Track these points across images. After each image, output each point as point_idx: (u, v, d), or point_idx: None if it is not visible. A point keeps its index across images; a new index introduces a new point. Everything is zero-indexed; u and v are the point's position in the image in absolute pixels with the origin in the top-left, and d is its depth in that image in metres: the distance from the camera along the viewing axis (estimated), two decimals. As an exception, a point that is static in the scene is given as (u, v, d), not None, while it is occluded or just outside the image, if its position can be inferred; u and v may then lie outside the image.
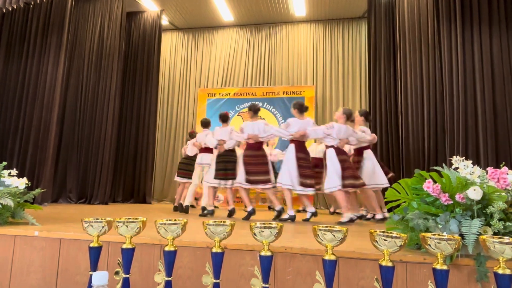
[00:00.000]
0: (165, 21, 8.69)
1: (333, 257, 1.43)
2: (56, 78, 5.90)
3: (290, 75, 8.52)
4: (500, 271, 1.32)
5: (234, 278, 2.18)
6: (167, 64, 9.24)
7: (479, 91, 4.49)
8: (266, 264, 1.47)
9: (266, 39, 8.82)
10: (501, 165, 2.15)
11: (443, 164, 2.34)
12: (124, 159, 7.59)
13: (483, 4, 4.65)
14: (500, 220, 1.92)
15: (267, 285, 1.46)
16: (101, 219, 1.65)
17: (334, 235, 1.42)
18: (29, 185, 3.31)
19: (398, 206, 2.41)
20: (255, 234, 1.51)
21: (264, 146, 4.83)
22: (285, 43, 8.70)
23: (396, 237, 1.38)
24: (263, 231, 1.49)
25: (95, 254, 1.61)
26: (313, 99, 7.77)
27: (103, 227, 1.63)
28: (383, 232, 1.42)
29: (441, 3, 4.97)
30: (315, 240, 1.49)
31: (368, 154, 4.61)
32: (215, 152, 4.96)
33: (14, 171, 3.09)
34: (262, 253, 1.48)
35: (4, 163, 3.11)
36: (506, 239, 1.36)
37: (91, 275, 1.49)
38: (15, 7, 5.46)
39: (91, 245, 1.62)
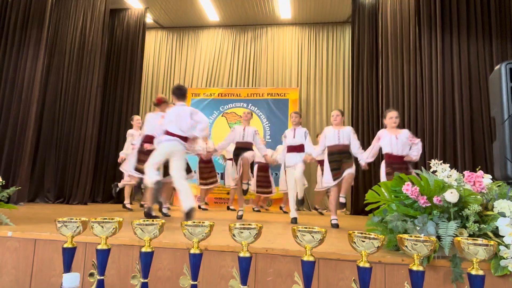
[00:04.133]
0: (149, 19, 8.58)
1: (311, 258, 1.43)
2: (35, 74, 5.74)
3: (275, 77, 8.55)
4: (473, 272, 1.35)
5: (214, 280, 2.16)
6: (150, 63, 9.13)
7: (457, 96, 4.61)
8: (245, 265, 1.46)
9: (251, 40, 8.82)
10: (477, 169, 2.21)
11: (422, 167, 2.38)
12: (105, 159, 7.43)
13: (462, 13, 4.79)
14: (475, 222, 1.96)
15: (245, 287, 1.45)
16: (76, 219, 1.60)
17: (313, 236, 1.43)
18: (4, 183, 3.21)
19: (378, 208, 2.44)
20: (234, 235, 1.50)
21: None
22: (270, 45, 8.73)
23: (373, 239, 1.39)
24: (242, 232, 1.48)
25: (68, 255, 1.56)
26: (297, 101, 7.82)
27: (77, 227, 1.58)
28: (361, 233, 1.43)
29: (422, 10, 5.09)
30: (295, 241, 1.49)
31: None
32: None
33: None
34: (241, 254, 1.47)
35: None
36: (480, 240, 1.39)
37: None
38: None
39: (65, 245, 1.57)
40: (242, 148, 4.73)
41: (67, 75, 6.81)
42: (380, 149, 4.11)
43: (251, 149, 4.79)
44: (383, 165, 4.05)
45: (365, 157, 4.15)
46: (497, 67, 2.46)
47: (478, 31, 4.71)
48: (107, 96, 7.62)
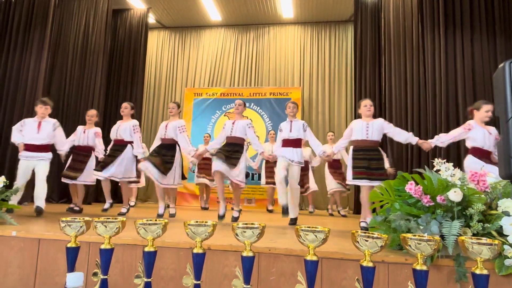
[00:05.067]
0: (152, 19, 8.59)
1: (314, 258, 1.43)
2: (39, 74, 5.77)
3: (277, 76, 8.54)
4: (477, 272, 1.34)
5: (217, 279, 2.16)
6: (153, 63, 9.13)
7: (461, 94, 4.59)
8: (248, 264, 1.46)
9: (253, 40, 8.81)
10: (481, 168, 2.20)
11: (425, 166, 2.37)
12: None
13: (465, 10, 4.77)
14: (479, 221, 1.95)
15: (248, 286, 1.45)
16: (79, 219, 1.61)
17: (316, 236, 1.42)
18: (8, 183, 3.22)
19: (381, 207, 2.44)
20: (237, 234, 1.50)
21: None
22: (273, 44, 8.71)
23: (377, 238, 1.39)
24: (245, 232, 1.48)
25: (72, 254, 1.56)
26: (300, 100, 7.80)
27: (81, 227, 1.59)
28: (365, 232, 1.43)
29: (425, 8, 5.06)
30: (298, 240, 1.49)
31: None
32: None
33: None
34: (244, 254, 1.47)
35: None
36: (484, 240, 1.38)
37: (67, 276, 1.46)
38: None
39: (69, 245, 1.58)
40: (231, 144, 4.20)
41: (70, 75, 6.83)
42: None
43: (241, 145, 4.22)
44: (470, 159, 3.55)
45: (443, 139, 3.63)
46: (501, 65, 2.44)
47: (482, 29, 4.68)
48: (110, 96, 7.64)
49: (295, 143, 4.10)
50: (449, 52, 4.76)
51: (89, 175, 4.67)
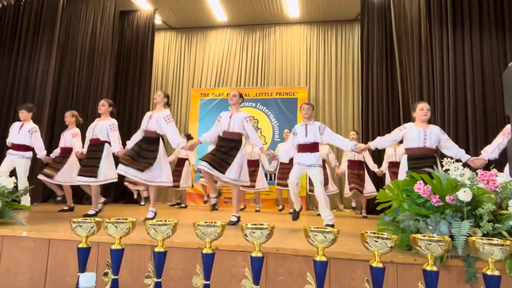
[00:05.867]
0: (158, 21, 8.64)
1: (324, 258, 1.43)
2: (48, 76, 5.84)
3: (284, 76, 8.53)
4: (489, 272, 1.33)
5: (226, 279, 2.17)
6: (160, 64, 9.18)
7: (470, 93, 4.54)
8: (257, 265, 1.46)
9: (260, 40, 8.82)
10: (491, 167, 2.17)
11: (434, 166, 2.36)
12: (116, 160, 7.50)
13: (474, 8, 4.71)
14: (489, 221, 1.94)
15: (258, 286, 1.45)
16: (90, 219, 1.62)
17: (325, 236, 1.42)
18: (17, 184, 3.27)
19: (389, 207, 2.43)
20: (246, 235, 1.50)
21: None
22: (279, 44, 8.71)
23: (386, 238, 1.38)
24: (254, 232, 1.48)
25: (83, 255, 1.58)
26: (306, 100, 7.78)
27: (92, 227, 1.61)
28: (374, 233, 1.42)
29: (433, 6, 5.02)
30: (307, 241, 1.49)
31: None
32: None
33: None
34: (253, 254, 1.48)
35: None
36: (495, 240, 1.37)
37: (78, 276, 1.47)
38: (5, 4, 5.39)
39: (80, 245, 1.60)
40: (227, 139, 3.86)
41: (78, 77, 6.90)
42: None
43: (238, 140, 3.86)
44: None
45: (490, 152, 3.38)
46: (511, 64, 2.42)
47: (491, 26, 4.62)
48: (117, 97, 7.70)
49: (312, 147, 3.77)
50: (458, 50, 4.70)
51: (68, 176, 4.68)
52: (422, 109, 3.49)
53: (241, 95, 4.03)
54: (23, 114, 4.67)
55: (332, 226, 3.54)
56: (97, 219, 1.64)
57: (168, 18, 8.79)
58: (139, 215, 4.17)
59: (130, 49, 7.99)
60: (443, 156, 3.28)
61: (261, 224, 1.52)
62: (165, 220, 1.56)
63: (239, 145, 3.83)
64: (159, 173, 3.81)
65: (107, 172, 4.14)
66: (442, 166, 2.26)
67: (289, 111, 7.77)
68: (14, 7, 5.99)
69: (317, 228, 1.45)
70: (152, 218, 3.84)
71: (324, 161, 5.96)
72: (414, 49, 5.55)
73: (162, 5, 8.13)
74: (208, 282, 1.49)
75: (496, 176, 2.11)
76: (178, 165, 6.68)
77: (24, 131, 4.60)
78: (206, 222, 1.54)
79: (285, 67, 8.55)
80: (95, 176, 4.03)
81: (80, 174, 4.08)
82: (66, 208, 4.86)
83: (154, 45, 8.11)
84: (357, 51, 8.08)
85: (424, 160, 3.31)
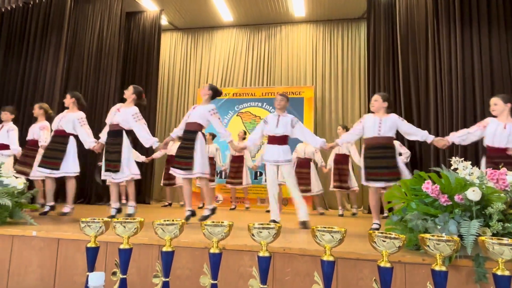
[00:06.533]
0: (164, 21, 8.68)
1: (331, 258, 1.42)
2: (55, 78, 5.91)
3: (290, 76, 8.52)
4: (499, 273, 1.32)
5: (233, 279, 2.18)
6: (166, 64, 9.23)
7: (478, 92, 4.49)
8: (264, 265, 1.46)
9: (265, 39, 8.81)
10: (500, 166, 2.15)
11: (442, 165, 2.33)
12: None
13: (482, 6, 4.65)
14: (499, 221, 1.91)
15: (265, 286, 1.45)
16: (99, 219, 1.64)
17: (332, 236, 1.42)
18: (28, 184, 3.31)
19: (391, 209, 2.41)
20: (253, 234, 1.50)
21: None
22: (285, 43, 8.70)
23: (394, 238, 1.37)
24: (261, 232, 1.48)
25: (92, 254, 1.60)
26: (312, 99, 7.76)
27: (100, 227, 1.62)
28: (382, 233, 1.41)
29: (440, 4, 4.97)
30: (314, 240, 1.49)
31: None
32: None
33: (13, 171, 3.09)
34: (260, 254, 1.48)
35: (3, 162, 3.10)
36: (505, 240, 1.35)
37: (87, 276, 1.49)
38: (14, 7, 5.46)
39: (88, 245, 1.62)
40: (186, 131, 3.69)
41: (85, 78, 6.96)
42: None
43: (195, 131, 3.63)
44: (483, 161, 3.40)
45: (457, 135, 3.44)
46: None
47: (500, 23, 4.56)
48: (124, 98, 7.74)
49: (281, 140, 3.68)
50: (466, 47, 4.65)
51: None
52: (372, 100, 3.58)
53: (212, 88, 3.84)
54: (6, 115, 4.76)
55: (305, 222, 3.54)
56: (105, 218, 1.65)
57: (174, 19, 8.83)
58: (146, 215, 4.18)
59: (136, 50, 8.04)
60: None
61: (268, 224, 1.52)
62: (173, 220, 1.57)
63: (195, 136, 3.63)
64: (125, 168, 3.74)
65: (70, 165, 4.03)
66: (450, 165, 2.24)
67: (296, 110, 7.72)
68: (22, 12, 6.06)
69: (325, 227, 1.44)
70: (133, 214, 3.78)
71: (310, 160, 5.96)
72: (421, 47, 5.50)
73: (168, 6, 8.17)
74: (215, 282, 1.50)
75: (506, 175, 2.09)
76: None
77: (4, 131, 4.71)
78: (213, 222, 1.54)
79: (291, 67, 8.54)
80: (57, 169, 3.94)
81: (41, 166, 3.96)
82: (47, 209, 4.19)
83: (160, 46, 8.15)
84: (363, 49, 8.04)
85: (378, 149, 3.36)
